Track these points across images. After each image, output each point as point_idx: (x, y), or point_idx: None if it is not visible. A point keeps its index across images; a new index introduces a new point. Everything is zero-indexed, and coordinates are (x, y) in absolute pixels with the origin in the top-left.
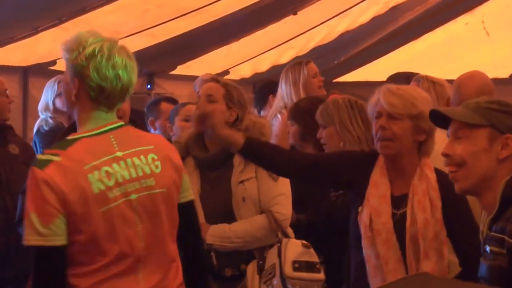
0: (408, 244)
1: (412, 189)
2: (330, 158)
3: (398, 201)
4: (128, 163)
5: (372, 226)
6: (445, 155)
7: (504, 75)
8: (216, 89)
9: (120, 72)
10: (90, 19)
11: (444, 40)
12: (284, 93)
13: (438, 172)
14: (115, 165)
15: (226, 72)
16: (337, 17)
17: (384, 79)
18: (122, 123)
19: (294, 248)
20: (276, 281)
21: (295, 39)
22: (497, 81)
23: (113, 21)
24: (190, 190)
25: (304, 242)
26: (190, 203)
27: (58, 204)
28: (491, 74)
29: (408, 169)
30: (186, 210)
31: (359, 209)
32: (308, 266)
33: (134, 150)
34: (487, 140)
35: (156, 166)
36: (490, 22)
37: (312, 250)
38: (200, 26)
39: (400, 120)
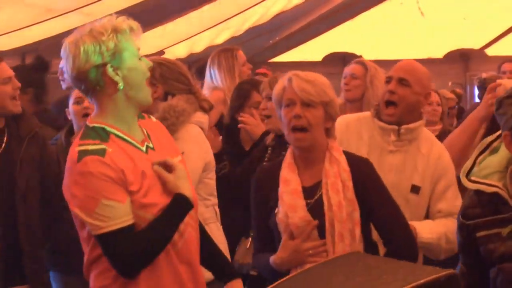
0: (328, 228)
1: (325, 174)
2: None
3: (311, 191)
4: None
5: (289, 221)
6: None
7: (439, 55)
8: None
9: None
10: None
11: (379, 19)
12: (218, 79)
13: (346, 154)
14: None
15: (161, 52)
16: None
17: (320, 59)
18: None
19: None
20: None
21: (230, 19)
22: (432, 61)
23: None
24: None
25: None
26: None
27: None
28: (425, 54)
29: (318, 157)
30: None
31: (276, 210)
32: None
33: None
34: None
35: None
36: (425, 2)
37: None
38: (135, 5)
39: (314, 108)
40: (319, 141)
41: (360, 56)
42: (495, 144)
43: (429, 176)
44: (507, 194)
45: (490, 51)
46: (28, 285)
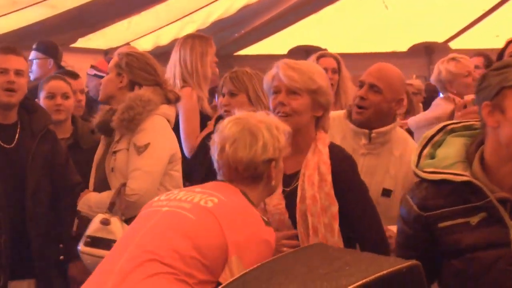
0: (299, 220)
1: (305, 165)
2: None
3: (290, 179)
4: (193, 192)
5: (266, 209)
6: None
7: (403, 48)
8: (112, 61)
9: None
10: None
11: (344, 13)
12: (187, 63)
13: (332, 147)
14: (181, 192)
15: (127, 45)
16: None
17: (285, 52)
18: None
19: (94, 223)
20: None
21: (196, 12)
22: (396, 54)
23: None
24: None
25: (105, 217)
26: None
27: None
28: (389, 48)
29: (303, 146)
30: None
31: None
32: (100, 242)
33: (207, 190)
34: None
35: (206, 202)
36: None
37: (110, 227)
38: None
39: (299, 96)
40: (305, 128)
41: (325, 49)
42: (436, 138)
43: (401, 179)
44: (479, 182)
45: (454, 45)
46: (34, 279)
